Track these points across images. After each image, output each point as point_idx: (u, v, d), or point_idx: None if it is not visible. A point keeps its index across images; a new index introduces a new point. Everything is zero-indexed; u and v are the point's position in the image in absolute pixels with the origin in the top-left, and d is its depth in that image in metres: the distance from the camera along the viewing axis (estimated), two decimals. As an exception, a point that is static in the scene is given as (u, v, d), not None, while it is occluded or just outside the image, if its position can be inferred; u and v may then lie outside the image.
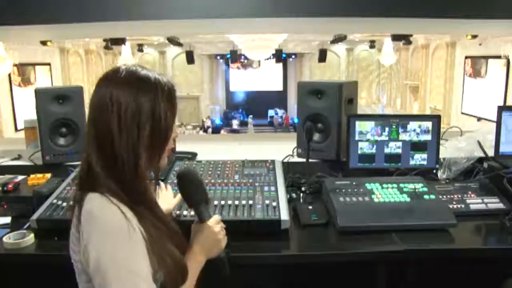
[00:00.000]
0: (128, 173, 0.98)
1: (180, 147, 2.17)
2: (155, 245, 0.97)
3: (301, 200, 1.82)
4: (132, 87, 0.99)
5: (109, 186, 0.98)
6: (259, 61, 16.85)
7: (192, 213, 1.49)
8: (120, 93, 0.98)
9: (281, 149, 2.18)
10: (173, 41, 12.09)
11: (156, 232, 1.00)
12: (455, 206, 1.73)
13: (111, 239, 0.92)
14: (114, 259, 0.91)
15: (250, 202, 1.55)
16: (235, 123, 16.65)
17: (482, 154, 2.02)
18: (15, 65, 7.94)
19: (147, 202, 1.03)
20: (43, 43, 8.31)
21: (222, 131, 15.53)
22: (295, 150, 2.18)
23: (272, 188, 1.66)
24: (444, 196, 1.78)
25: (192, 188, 1.20)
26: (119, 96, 0.97)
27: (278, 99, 18.17)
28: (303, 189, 1.90)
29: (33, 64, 9.43)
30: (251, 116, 16.90)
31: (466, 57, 9.92)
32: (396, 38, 10.12)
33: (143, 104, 0.98)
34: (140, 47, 15.01)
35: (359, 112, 2.25)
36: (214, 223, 1.17)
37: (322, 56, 14.16)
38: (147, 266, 0.94)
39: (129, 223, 0.94)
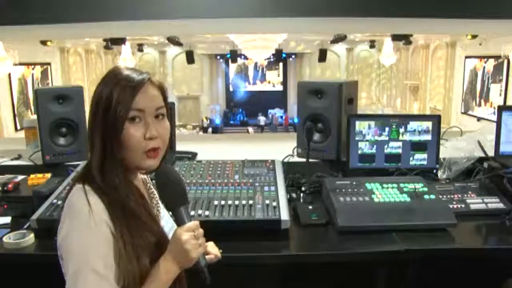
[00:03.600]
0: (94, 162, 1.03)
1: (180, 147, 2.17)
2: (122, 245, 0.97)
3: (301, 200, 1.82)
4: (103, 81, 1.05)
5: (90, 179, 1.02)
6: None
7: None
8: (98, 89, 1.05)
9: (281, 149, 2.18)
10: (173, 41, 12.09)
11: (129, 233, 0.99)
12: (455, 206, 1.73)
13: (76, 226, 0.96)
14: (72, 249, 0.94)
15: (250, 202, 1.55)
16: (262, 120, 16.68)
17: (482, 154, 2.02)
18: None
19: (123, 198, 1.02)
20: (43, 43, 8.30)
21: (250, 129, 15.64)
22: (295, 150, 2.18)
23: (272, 188, 1.66)
24: (444, 196, 1.78)
25: (168, 190, 1.07)
26: (96, 91, 1.05)
27: (278, 99, 18.18)
28: (303, 189, 1.90)
29: (33, 64, 9.43)
30: (260, 114, 17.00)
31: (466, 57, 9.91)
32: (396, 38, 10.12)
33: (102, 94, 1.02)
34: (140, 47, 15.00)
35: (359, 112, 2.25)
36: (185, 230, 1.02)
37: (322, 56, 14.15)
38: (106, 261, 0.94)
39: (92, 215, 0.95)
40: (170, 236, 1.11)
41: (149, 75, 1.07)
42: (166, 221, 1.21)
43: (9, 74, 8.04)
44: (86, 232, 0.95)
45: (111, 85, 1.02)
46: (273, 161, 1.91)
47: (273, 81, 18.46)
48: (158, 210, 1.18)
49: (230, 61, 15.60)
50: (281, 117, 17.29)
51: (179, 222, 1.05)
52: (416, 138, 1.99)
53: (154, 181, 1.14)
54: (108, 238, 0.96)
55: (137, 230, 1.02)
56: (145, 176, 1.22)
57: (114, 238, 0.97)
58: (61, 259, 0.98)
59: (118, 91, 1.01)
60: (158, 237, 1.06)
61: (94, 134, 1.03)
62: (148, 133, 1.03)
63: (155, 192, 1.22)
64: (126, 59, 11.33)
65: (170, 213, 1.12)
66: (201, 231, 1.05)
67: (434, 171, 2.03)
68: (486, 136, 2.09)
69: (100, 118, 1.02)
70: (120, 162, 1.04)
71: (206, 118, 16.65)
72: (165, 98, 1.10)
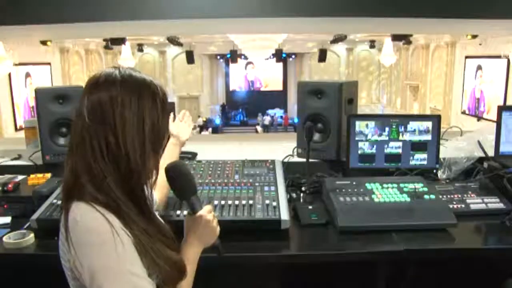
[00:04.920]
0: (129, 179, 0.98)
1: (180, 147, 2.17)
2: (143, 249, 0.96)
3: (301, 200, 1.82)
4: (133, 90, 0.98)
5: (95, 196, 0.96)
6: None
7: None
8: (122, 97, 0.97)
9: (281, 149, 2.18)
10: (173, 41, 12.10)
11: (145, 235, 0.98)
12: (455, 206, 1.73)
13: (98, 247, 0.91)
14: (105, 266, 0.90)
15: (250, 202, 1.55)
16: (267, 120, 16.74)
17: (482, 154, 2.02)
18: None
19: (139, 209, 1.01)
20: (43, 43, 8.30)
21: (259, 128, 15.75)
22: (295, 150, 2.18)
23: (272, 188, 1.66)
24: (444, 196, 1.78)
25: (183, 181, 1.18)
26: (122, 100, 0.96)
27: (278, 99, 18.19)
28: (303, 189, 1.90)
29: (33, 64, 9.43)
30: (260, 114, 17.06)
31: (466, 57, 9.90)
32: (396, 38, 10.13)
33: (145, 107, 0.98)
34: (140, 47, 15.02)
35: (359, 112, 2.25)
36: (207, 212, 1.17)
37: (322, 56, 14.17)
38: (141, 266, 0.94)
39: (112, 227, 0.92)
40: None
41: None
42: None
43: (9, 74, 8.04)
44: (116, 250, 0.91)
45: (147, 98, 0.99)
46: (273, 161, 1.91)
47: (273, 81, 18.42)
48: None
49: (230, 61, 15.60)
50: (281, 117, 17.31)
51: (194, 208, 1.17)
52: (416, 138, 1.99)
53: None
54: (133, 247, 0.94)
55: (153, 231, 1.02)
56: None
57: (137, 245, 0.95)
58: (88, 281, 0.92)
59: (158, 101, 1.02)
60: (165, 231, 1.08)
61: (144, 152, 0.98)
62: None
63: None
64: (126, 59, 11.34)
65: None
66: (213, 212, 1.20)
67: (434, 171, 2.03)
68: (486, 136, 2.09)
69: (149, 134, 0.99)
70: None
71: (199, 116, 16.63)
72: None
